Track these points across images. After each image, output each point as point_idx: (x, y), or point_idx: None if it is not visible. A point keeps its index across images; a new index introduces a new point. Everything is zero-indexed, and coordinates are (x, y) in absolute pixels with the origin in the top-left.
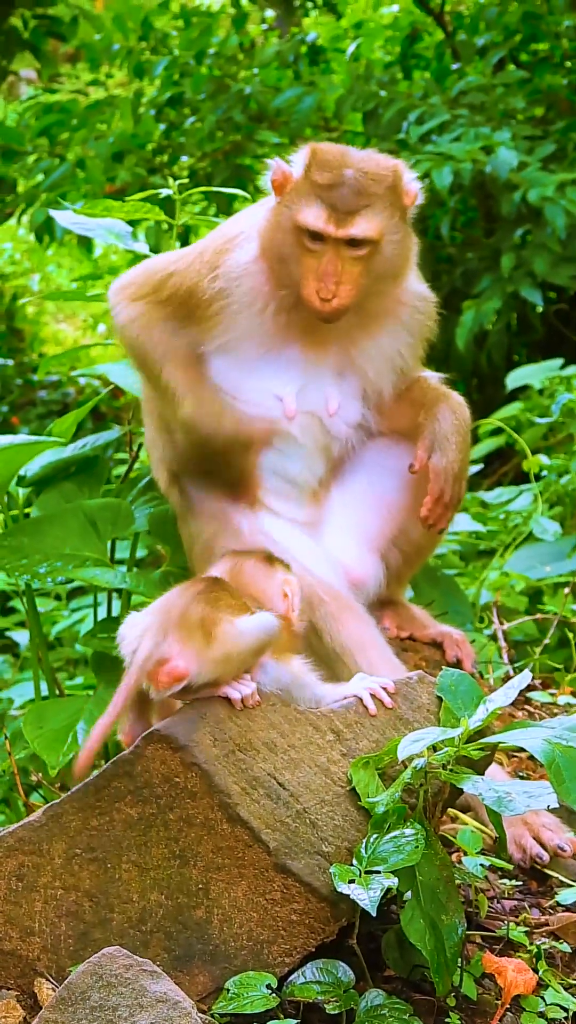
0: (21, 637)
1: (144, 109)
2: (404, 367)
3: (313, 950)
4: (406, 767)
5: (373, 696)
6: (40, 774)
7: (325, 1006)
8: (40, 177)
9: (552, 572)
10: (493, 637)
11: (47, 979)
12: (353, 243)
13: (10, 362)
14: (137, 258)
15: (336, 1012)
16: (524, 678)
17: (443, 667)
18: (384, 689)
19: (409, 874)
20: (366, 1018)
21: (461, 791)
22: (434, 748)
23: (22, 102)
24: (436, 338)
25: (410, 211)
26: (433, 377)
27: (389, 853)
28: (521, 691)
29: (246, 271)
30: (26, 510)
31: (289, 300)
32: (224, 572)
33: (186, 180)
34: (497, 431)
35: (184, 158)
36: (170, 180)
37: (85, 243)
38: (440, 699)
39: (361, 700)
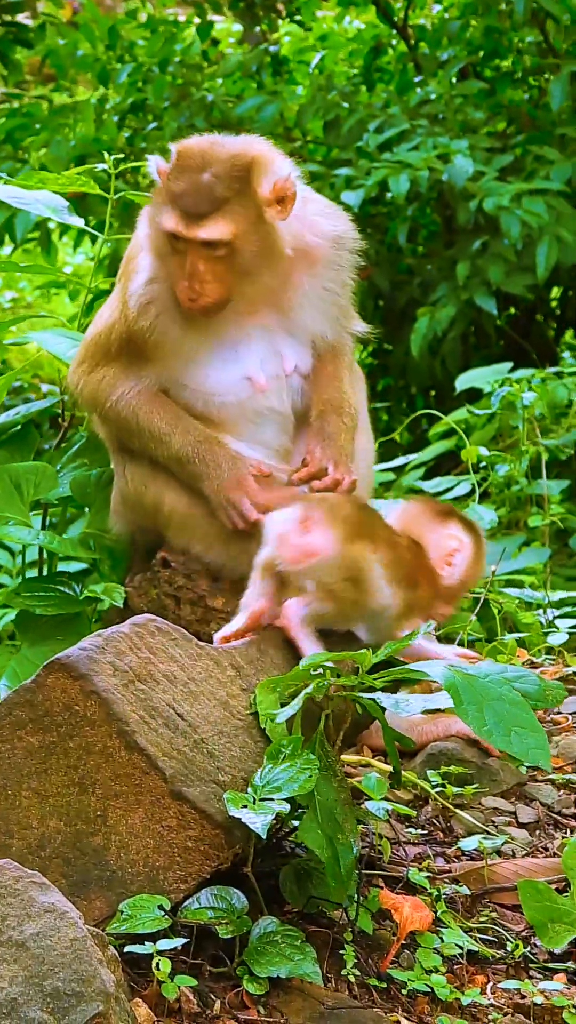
0: None
1: (108, 115)
2: (337, 302)
3: (208, 877)
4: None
5: None
6: None
7: (217, 930)
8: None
9: (495, 570)
10: None
11: None
12: (209, 244)
13: None
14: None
15: (228, 936)
16: (428, 625)
17: None
18: None
19: (308, 795)
20: (259, 944)
21: (362, 724)
22: (339, 676)
23: None
24: (393, 345)
25: (273, 208)
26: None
27: (284, 782)
28: None
29: (149, 291)
30: None
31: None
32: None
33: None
34: (448, 434)
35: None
36: (105, 155)
37: (46, 245)
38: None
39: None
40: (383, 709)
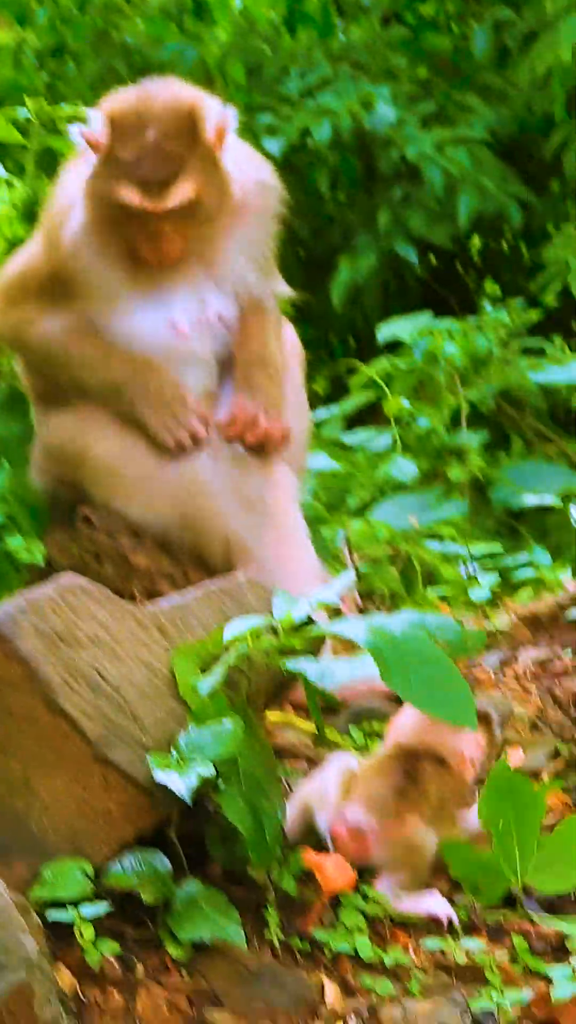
0: None
1: (26, 58)
2: (262, 251)
3: (132, 841)
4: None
5: None
6: None
7: (141, 894)
8: None
9: (416, 522)
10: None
11: None
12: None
13: None
14: None
15: (152, 901)
16: (348, 576)
17: None
18: None
19: (230, 762)
20: (182, 908)
21: (285, 686)
22: (259, 639)
23: None
24: (314, 294)
25: (219, 150)
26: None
27: (208, 744)
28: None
29: (82, 240)
30: None
31: (129, 246)
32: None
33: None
34: (369, 384)
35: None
36: (26, 97)
37: None
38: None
39: None
40: None
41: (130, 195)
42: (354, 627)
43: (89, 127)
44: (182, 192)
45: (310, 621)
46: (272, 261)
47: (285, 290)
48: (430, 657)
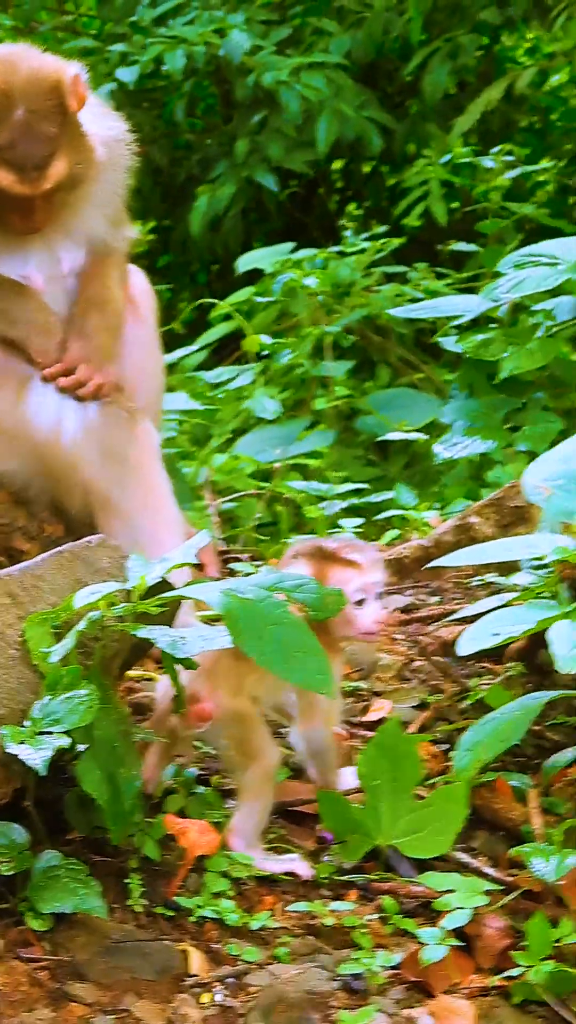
0: None
1: None
2: (114, 204)
3: None
4: None
5: None
6: None
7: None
8: None
9: (281, 455)
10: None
11: None
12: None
13: None
14: None
15: (10, 873)
16: (202, 537)
17: None
18: None
19: (86, 730)
20: (41, 879)
21: (140, 652)
22: (113, 605)
23: None
24: (174, 223)
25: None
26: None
27: (63, 714)
28: (227, 564)
29: None
30: None
31: None
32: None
33: None
34: (229, 316)
35: None
36: None
37: None
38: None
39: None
40: None
41: (5, 179)
42: (207, 591)
43: None
44: (57, 172)
45: (164, 585)
46: (123, 210)
47: (133, 234)
48: (284, 620)
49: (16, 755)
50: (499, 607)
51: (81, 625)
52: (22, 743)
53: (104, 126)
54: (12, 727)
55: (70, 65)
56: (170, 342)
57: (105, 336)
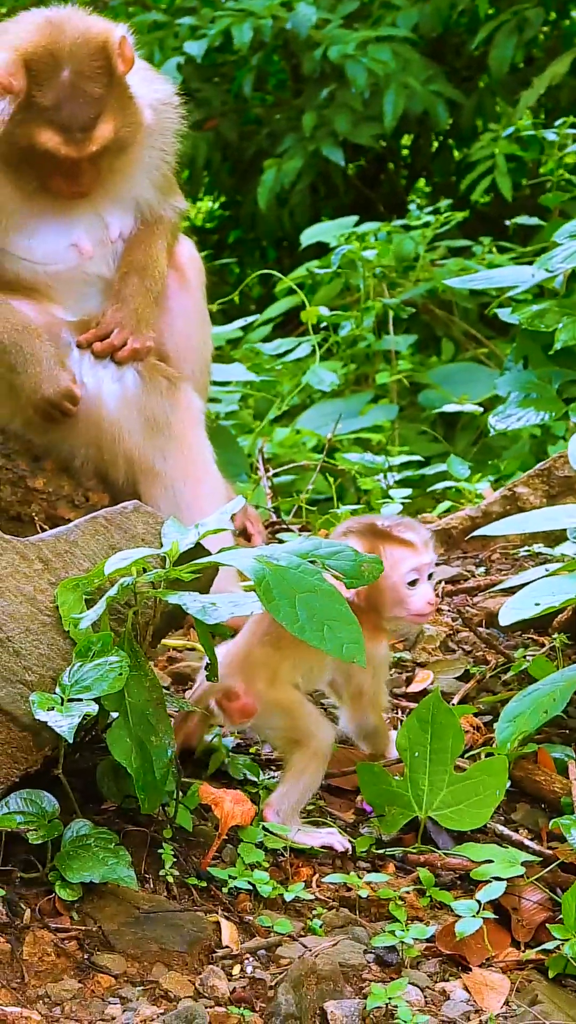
0: None
1: None
2: (161, 170)
3: (17, 780)
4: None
5: None
6: None
7: (27, 835)
8: None
9: (343, 429)
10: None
11: None
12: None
13: None
14: None
15: (40, 842)
16: (237, 502)
17: None
18: None
19: (118, 698)
20: (71, 848)
21: (175, 620)
22: (145, 571)
23: None
24: (243, 197)
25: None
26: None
27: (93, 680)
28: (275, 535)
29: None
30: None
31: (41, 179)
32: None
33: None
34: (293, 291)
35: None
36: None
37: None
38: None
39: None
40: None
41: (52, 141)
42: (241, 557)
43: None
44: (103, 134)
45: (199, 550)
46: (172, 178)
47: (183, 205)
48: (317, 587)
49: (45, 722)
50: (542, 577)
51: (112, 591)
52: (51, 709)
53: (152, 89)
54: (41, 694)
55: (117, 27)
56: (238, 317)
57: (143, 301)
